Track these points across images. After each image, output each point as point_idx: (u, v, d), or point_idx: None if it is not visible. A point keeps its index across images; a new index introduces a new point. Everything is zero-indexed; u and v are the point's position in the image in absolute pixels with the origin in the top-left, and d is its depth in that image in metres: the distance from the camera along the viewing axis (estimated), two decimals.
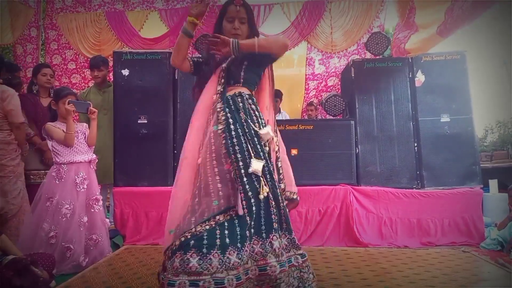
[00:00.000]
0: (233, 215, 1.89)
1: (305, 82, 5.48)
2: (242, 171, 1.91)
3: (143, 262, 2.89)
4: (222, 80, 2.10)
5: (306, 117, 5.21)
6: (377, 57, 4.06)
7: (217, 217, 1.87)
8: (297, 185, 2.34)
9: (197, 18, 2.10)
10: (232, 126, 2.00)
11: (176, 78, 3.81)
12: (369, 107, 3.81)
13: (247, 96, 2.13)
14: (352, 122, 3.79)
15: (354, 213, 3.53)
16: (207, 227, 1.85)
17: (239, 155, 1.94)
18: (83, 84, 5.25)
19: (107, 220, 3.22)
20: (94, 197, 3.01)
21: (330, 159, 3.70)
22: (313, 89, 5.42)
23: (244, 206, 1.88)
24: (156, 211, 3.60)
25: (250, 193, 1.89)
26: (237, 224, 1.87)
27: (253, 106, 2.12)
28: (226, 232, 1.85)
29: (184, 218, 1.92)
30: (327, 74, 5.38)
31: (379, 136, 3.76)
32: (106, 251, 3.05)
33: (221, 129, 2.01)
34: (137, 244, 3.48)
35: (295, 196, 2.25)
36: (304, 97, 5.50)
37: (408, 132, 3.75)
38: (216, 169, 1.96)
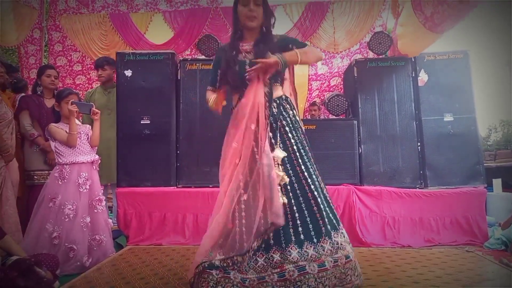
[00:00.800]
0: None
1: (308, 83, 5.48)
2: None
3: (147, 262, 2.90)
4: (269, 81, 2.14)
5: (309, 117, 5.20)
6: (380, 56, 4.05)
7: None
8: None
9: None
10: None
11: (179, 78, 3.82)
12: (372, 107, 3.80)
13: (292, 102, 2.25)
14: (355, 121, 3.78)
15: (357, 213, 3.52)
16: None
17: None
18: (87, 85, 5.27)
19: (110, 220, 3.23)
20: (97, 198, 3.02)
21: (333, 159, 3.69)
22: (316, 89, 5.42)
23: None
24: (159, 211, 3.62)
25: None
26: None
27: (296, 112, 2.25)
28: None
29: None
30: (330, 74, 5.37)
31: (382, 136, 3.75)
32: (109, 252, 3.06)
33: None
34: (140, 244, 3.49)
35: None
36: (307, 97, 5.49)
37: (411, 132, 3.75)
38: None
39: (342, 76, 5.14)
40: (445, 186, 3.62)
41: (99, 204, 3.02)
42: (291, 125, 2.19)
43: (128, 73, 3.78)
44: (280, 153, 2.10)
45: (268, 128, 2.09)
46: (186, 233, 3.56)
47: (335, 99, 4.07)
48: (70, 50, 5.35)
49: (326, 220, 2.09)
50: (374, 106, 3.80)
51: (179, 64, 3.86)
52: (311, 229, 2.06)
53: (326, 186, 3.52)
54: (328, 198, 2.20)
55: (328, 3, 5.18)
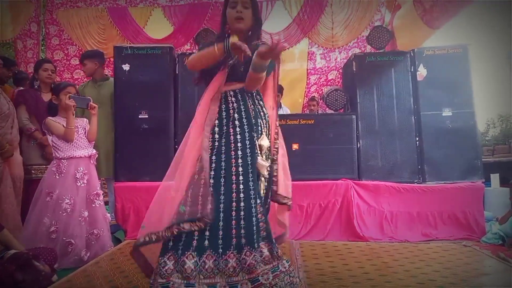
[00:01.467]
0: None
1: (307, 77, 5.46)
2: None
3: None
4: (227, 76, 2.05)
5: (307, 112, 5.19)
6: (379, 51, 4.04)
7: None
8: (299, 179, 2.34)
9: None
10: (237, 122, 1.99)
11: (177, 73, 3.81)
12: (371, 102, 3.80)
13: (255, 92, 2.11)
14: (354, 116, 3.78)
15: (355, 208, 3.53)
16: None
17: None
18: (85, 79, 5.23)
19: (109, 215, 3.22)
20: (94, 192, 3.01)
21: (331, 153, 3.69)
22: (314, 83, 5.40)
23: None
24: None
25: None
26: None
27: (261, 102, 2.12)
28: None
29: None
30: (327, 68, 5.36)
31: (381, 131, 3.75)
32: (107, 246, 3.06)
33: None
34: None
35: (286, 201, 2.13)
36: (305, 91, 5.48)
37: (410, 127, 3.75)
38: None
39: (340, 70, 5.13)
40: (443, 181, 3.63)
41: (97, 198, 3.01)
42: (245, 113, 2.03)
43: (126, 67, 3.76)
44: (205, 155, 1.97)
45: (208, 122, 2.02)
46: None
47: (334, 94, 4.07)
48: (67, 44, 5.30)
49: (242, 232, 1.85)
50: (373, 101, 3.80)
51: (177, 58, 3.84)
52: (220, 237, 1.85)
53: (325, 181, 3.59)
54: (258, 204, 1.90)
55: None
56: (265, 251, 1.83)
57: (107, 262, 2.77)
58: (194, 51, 4.91)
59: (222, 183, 1.91)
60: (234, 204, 1.87)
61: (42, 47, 5.54)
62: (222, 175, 1.92)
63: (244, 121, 2.00)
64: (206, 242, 1.84)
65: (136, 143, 3.70)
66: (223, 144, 1.98)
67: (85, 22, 5.21)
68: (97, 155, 3.14)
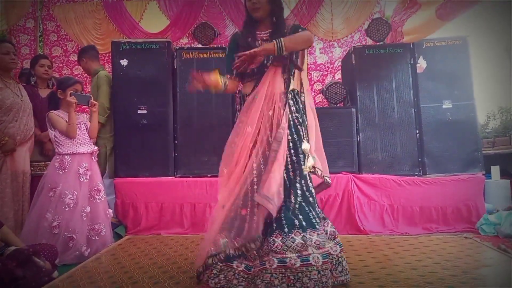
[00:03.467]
0: None
1: (307, 72, 5.43)
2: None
3: (145, 252, 2.90)
4: (286, 69, 2.15)
5: None
6: (378, 43, 4.01)
7: None
8: None
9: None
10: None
11: (176, 67, 3.79)
12: (370, 95, 3.78)
13: (302, 97, 2.24)
14: (353, 109, 3.76)
15: (356, 201, 3.53)
16: None
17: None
18: (84, 75, 5.21)
19: (110, 211, 3.22)
20: (96, 188, 3.01)
21: (331, 147, 3.66)
22: (317, 80, 5.33)
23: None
24: (157, 201, 3.61)
25: None
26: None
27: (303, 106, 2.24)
28: None
29: None
30: (331, 65, 5.29)
31: (381, 124, 3.74)
32: (108, 242, 3.06)
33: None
34: (139, 234, 3.49)
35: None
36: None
37: (410, 119, 3.73)
38: None
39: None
40: (444, 174, 3.62)
41: (98, 194, 3.02)
42: (299, 118, 2.18)
43: (124, 62, 3.74)
44: (306, 145, 2.12)
45: (285, 117, 2.08)
46: (184, 222, 3.56)
47: (333, 87, 4.05)
48: (65, 40, 5.27)
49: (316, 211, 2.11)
50: (373, 94, 3.78)
51: (175, 53, 3.82)
52: (312, 216, 2.04)
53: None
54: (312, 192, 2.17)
55: None
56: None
57: (108, 258, 2.77)
58: (192, 45, 4.92)
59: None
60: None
61: (40, 44, 5.51)
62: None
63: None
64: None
65: (135, 138, 3.69)
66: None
67: (81, 17, 5.17)
68: (98, 151, 3.14)
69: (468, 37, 3.77)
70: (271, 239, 1.95)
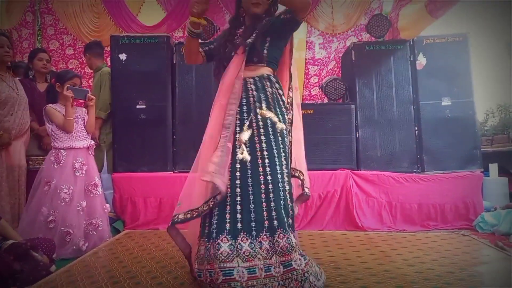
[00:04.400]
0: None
1: (305, 67, 5.41)
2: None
3: (143, 246, 2.90)
4: (245, 59, 2.05)
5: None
6: (378, 40, 4.00)
7: None
8: None
9: (199, 17, 2.02)
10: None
11: (175, 62, 3.77)
12: (370, 91, 3.77)
13: (274, 80, 2.14)
14: (353, 106, 3.76)
15: (354, 198, 3.53)
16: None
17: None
18: (80, 69, 5.17)
19: (108, 205, 3.22)
20: (92, 182, 3.01)
21: (330, 143, 3.68)
22: (314, 75, 5.33)
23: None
24: (155, 196, 3.61)
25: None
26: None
27: (280, 91, 2.14)
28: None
29: None
30: (328, 59, 5.28)
31: (380, 120, 3.74)
32: (106, 236, 3.06)
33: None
34: (137, 229, 3.49)
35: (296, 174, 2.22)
36: (304, 82, 5.43)
37: (409, 116, 3.73)
38: None
39: (339, 60, 5.08)
40: (442, 171, 3.63)
41: (95, 188, 3.01)
42: (265, 102, 2.05)
43: (123, 56, 3.73)
44: (244, 136, 1.96)
45: (235, 107, 1.99)
46: None
47: (333, 83, 4.04)
48: (62, 34, 5.24)
49: (274, 214, 1.85)
50: (372, 91, 3.77)
51: (174, 48, 3.80)
52: (252, 219, 1.85)
53: (323, 171, 3.58)
54: (287, 190, 1.93)
55: None
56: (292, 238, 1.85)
57: (106, 252, 2.77)
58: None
59: (249, 167, 1.92)
60: (262, 186, 1.89)
61: (38, 37, 5.48)
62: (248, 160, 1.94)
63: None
64: (239, 224, 1.84)
65: (133, 133, 3.68)
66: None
67: (79, 11, 5.14)
68: (95, 146, 3.13)
69: (468, 34, 3.76)
70: (198, 247, 1.91)
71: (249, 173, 1.92)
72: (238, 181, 1.91)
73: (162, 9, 5.16)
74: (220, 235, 1.81)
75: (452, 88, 3.69)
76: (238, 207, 1.87)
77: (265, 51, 2.11)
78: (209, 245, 1.84)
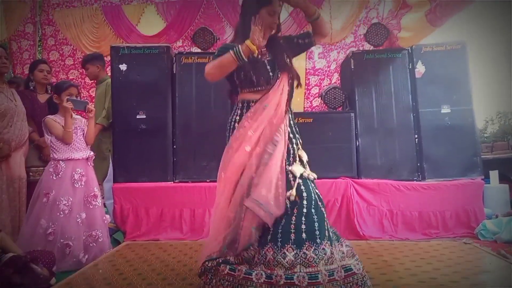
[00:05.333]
0: None
1: (305, 76, 5.42)
2: None
3: (144, 258, 2.88)
4: (291, 82, 2.15)
5: None
6: (377, 48, 4.02)
7: None
8: None
9: (257, 48, 2.01)
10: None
11: (175, 72, 3.78)
12: (369, 99, 3.78)
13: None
14: (352, 114, 3.76)
15: (355, 206, 3.52)
16: None
17: None
18: (80, 79, 5.20)
19: (108, 216, 3.20)
20: (92, 194, 2.99)
21: (330, 152, 3.67)
22: (315, 85, 5.34)
23: None
24: (156, 207, 3.59)
25: None
26: None
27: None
28: None
29: None
30: (328, 69, 5.29)
31: (380, 128, 3.74)
32: (106, 248, 3.04)
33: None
34: (138, 240, 3.47)
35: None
36: (305, 92, 5.44)
37: (409, 124, 3.73)
38: None
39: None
40: (443, 178, 3.62)
41: (95, 200, 3.00)
42: (295, 130, 2.21)
43: (123, 67, 3.74)
44: (297, 169, 2.05)
45: (286, 136, 2.09)
46: (183, 228, 3.55)
47: (332, 92, 4.05)
48: (62, 44, 5.27)
49: (327, 226, 1.99)
50: (371, 99, 3.78)
51: (174, 58, 3.82)
52: (316, 228, 1.92)
53: (324, 179, 3.57)
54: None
55: None
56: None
57: (106, 264, 2.75)
58: (190, 48, 4.93)
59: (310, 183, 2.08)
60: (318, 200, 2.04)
61: (39, 48, 5.51)
62: None
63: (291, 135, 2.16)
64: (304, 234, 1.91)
65: (134, 143, 3.67)
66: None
67: (79, 21, 5.18)
68: (94, 157, 3.12)
69: (466, 42, 3.78)
70: (263, 252, 1.91)
71: (311, 186, 2.05)
72: (305, 194, 1.98)
73: (162, 19, 5.19)
74: (286, 245, 1.88)
75: (451, 95, 3.69)
76: (303, 218, 1.93)
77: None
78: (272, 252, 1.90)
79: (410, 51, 3.81)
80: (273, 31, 2.21)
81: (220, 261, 1.97)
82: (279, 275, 1.82)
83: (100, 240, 2.96)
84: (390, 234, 3.46)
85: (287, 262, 1.84)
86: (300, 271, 1.82)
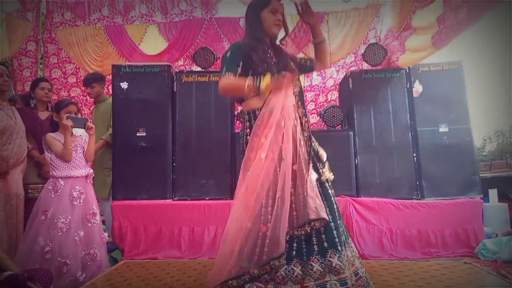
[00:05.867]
0: None
1: (304, 94, 5.47)
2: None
3: (142, 277, 2.85)
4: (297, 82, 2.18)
5: None
6: (375, 68, 4.08)
7: None
8: None
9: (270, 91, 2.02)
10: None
11: (175, 90, 3.82)
12: (368, 118, 3.81)
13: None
14: (351, 133, 3.79)
15: (355, 225, 3.51)
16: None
17: None
18: (82, 97, 5.25)
19: (106, 234, 3.19)
20: (91, 211, 2.98)
21: None
22: (311, 101, 5.41)
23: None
24: (155, 224, 3.58)
25: None
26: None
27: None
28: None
29: None
30: (323, 85, 5.36)
31: (378, 147, 3.76)
32: (104, 266, 3.01)
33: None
34: (136, 258, 3.44)
35: None
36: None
37: (407, 143, 3.75)
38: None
39: (337, 89, 5.15)
40: (442, 197, 3.62)
41: (93, 218, 2.98)
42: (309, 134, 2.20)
43: (124, 85, 3.78)
44: (314, 176, 2.09)
45: (301, 133, 2.11)
46: (182, 246, 3.52)
47: (331, 111, 4.08)
48: (64, 62, 5.35)
49: (343, 230, 2.10)
50: (370, 117, 3.81)
51: (175, 76, 3.86)
52: (335, 235, 2.01)
53: None
54: None
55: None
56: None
57: (104, 283, 2.73)
58: (191, 67, 4.99)
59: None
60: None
61: (41, 66, 5.57)
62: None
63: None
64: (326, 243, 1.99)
65: (133, 161, 3.68)
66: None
67: (82, 40, 5.27)
68: (93, 175, 3.13)
69: (463, 61, 3.84)
70: (289, 268, 1.93)
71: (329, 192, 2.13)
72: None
73: (164, 39, 5.28)
74: (311, 257, 1.95)
75: (449, 114, 3.73)
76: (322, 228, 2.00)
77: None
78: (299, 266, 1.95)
79: (407, 70, 3.86)
80: (278, 30, 2.27)
81: (247, 279, 1.92)
82: (310, 287, 1.88)
83: (98, 258, 2.93)
84: (389, 253, 3.44)
85: (315, 273, 1.90)
86: (331, 279, 1.89)
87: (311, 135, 2.19)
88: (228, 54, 2.15)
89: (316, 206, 1.94)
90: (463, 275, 2.77)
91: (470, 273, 2.84)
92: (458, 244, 3.47)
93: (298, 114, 2.13)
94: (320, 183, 2.11)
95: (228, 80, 2.07)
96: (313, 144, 2.18)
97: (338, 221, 2.06)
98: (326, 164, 2.22)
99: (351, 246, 2.14)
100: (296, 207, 1.98)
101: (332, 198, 2.12)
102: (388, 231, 3.54)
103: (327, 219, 1.96)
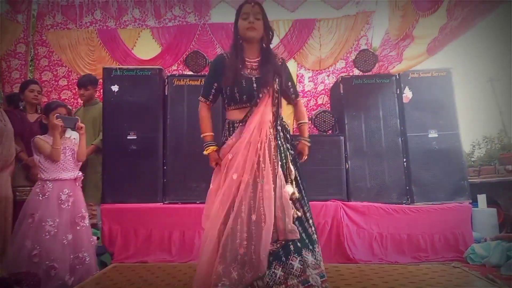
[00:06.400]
0: None
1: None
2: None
3: (132, 280, 2.82)
4: (276, 101, 2.20)
5: None
6: (366, 73, 4.12)
7: None
8: None
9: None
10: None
11: (166, 94, 3.81)
12: (358, 123, 3.85)
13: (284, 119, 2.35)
14: (342, 137, 3.82)
15: (345, 229, 3.52)
16: None
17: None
18: (73, 100, 5.20)
19: (95, 237, 3.15)
20: (79, 215, 2.94)
21: (320, 174, 3.70)
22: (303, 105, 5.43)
23: None
24: (145, 228, 3.55)
25: None
26: None
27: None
28: None
29: None
30: (315, 90, 5.40)
31: (369, 152, 3.79)
32: (93, 270, 2.97)
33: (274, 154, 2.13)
34: (126, 262, 3.41)
35: None
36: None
37: (397, 148, 3.79)
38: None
39: (328, 94, 5.19)
40: (431, 202, 3.66)
41: (82, 221, 2.94)
42: (289, 145, 2.27)
43: (115, 88, 3.76)
44: (290, 189, 2.12)
45: (276, 151, 2.14)
46: (172, 250, 3.50)
47: (322, 115, 4.11)
48: (56, 65, 5.30)
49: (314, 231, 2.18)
50: (360, 123, 3.85)
51: (166, 80, 3.86)
52: (305, 237, 2.09)
53: (314, 202, 3.57)
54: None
55: (314, 20, 5.27)
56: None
57: (93, 286, 2.70)
58: (184, 72, 4.98)
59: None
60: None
61: (31, 68, 5.51)
62: None
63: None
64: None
65: (124, 164, 3.66)
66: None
67: (75, 44, 5.23)
68: (82, 177, 3.09)
69: (452, 68, 3.90)
70: (271, 272, 1.96)
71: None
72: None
73: (157, 44, 5.28)
74: (289, 256, 2.01)
75: (438, 120, 3.78)
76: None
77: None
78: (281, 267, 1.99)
79: (397, 77, 3.91)
80: (263, 44, 2.29)
81: None
82: (295, 285, 1.93)
83: (86, 262, 2.89)
84: (380, 257, 3.46)
85: (296, 271, 1.96)
86: (311, 273, 1.97)
87: (288, 153, 2.24)
88: (207, 74, 2.33)
89: (284, 228, 2.01)
90: (452, 279, 2.79)
91: (459, 277, 2.86)
92: (447, 249, 3.51)
93: (273, 134, 2.16)
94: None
95: (201, 111, 2.41)
96: (287, 161, 2.21)
97: (306, 224, 2.13)
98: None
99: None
100: None
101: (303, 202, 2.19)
102: (378, 235, 3.56)
103: (297, 237, 2.03)
